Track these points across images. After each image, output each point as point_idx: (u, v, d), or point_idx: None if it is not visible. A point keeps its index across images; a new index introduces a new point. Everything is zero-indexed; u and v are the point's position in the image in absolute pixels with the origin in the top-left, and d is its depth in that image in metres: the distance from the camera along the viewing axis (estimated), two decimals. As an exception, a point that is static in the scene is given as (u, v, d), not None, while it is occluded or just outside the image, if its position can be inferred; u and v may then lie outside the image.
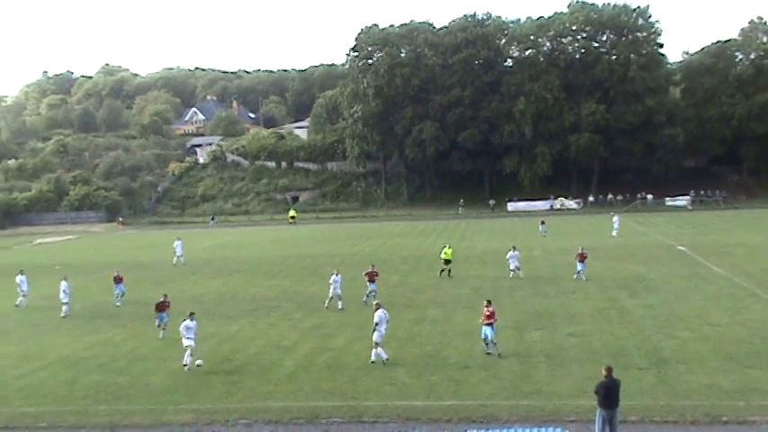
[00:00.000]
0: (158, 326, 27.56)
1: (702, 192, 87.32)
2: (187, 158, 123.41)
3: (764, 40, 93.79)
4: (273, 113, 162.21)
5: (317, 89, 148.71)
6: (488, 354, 22.54)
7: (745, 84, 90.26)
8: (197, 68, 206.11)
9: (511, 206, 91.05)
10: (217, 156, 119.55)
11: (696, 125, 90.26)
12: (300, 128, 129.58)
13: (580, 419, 16.83)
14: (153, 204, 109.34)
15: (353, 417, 17.99)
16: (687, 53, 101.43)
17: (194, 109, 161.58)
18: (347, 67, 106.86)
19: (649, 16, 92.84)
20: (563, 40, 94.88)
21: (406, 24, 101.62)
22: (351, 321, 28.43)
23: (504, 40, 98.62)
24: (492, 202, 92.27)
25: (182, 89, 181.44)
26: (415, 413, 18.01)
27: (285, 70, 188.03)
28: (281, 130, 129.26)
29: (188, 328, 23.14)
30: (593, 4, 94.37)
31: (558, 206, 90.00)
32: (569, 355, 22.49)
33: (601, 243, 47.88)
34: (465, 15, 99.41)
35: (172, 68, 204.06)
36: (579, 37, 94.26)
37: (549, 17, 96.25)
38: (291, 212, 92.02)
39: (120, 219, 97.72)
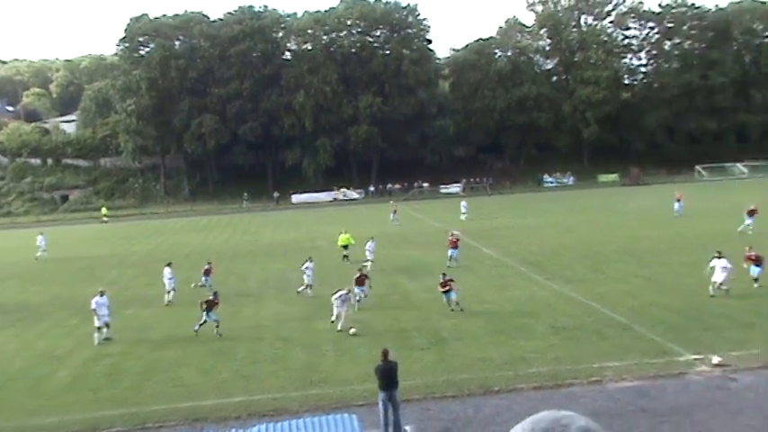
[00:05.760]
0: None
1: (472, 179, 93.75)
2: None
3: (519, 38, 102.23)
4: (36, 107, 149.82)
5: (85, 81, 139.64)
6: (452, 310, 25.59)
7: (504, 78, 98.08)
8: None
9: (295, 198, 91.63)
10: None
11: (464, 117, 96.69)
12: (68, 122, 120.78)
13: (368, 403, 17.22)
14: None
15: (137, 424, 17.13)
16: (454, 49, 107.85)
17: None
18: (117, 58, 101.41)
19: (418, 14, 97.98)
20: (339, 34, 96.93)
21: (179, 15, 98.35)
22: (130, 324, 27.09)
23: (281, 34, 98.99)
24: (276, 194, 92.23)
25: None
26: (204, 413, 17.52)
27: (48, 60, 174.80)
28: (46, 125, 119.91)
29: (99, 305, 24.45)
30: (365, 1, 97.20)
31: (341, 197, 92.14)
32: (355, 340, 23.07)
33: (381, 230, 49.62)
34: (241, 7, 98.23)
35: None
36: (354, 32, 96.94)
37: (326, 11, 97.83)
38: (104, 210, 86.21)
39: None
